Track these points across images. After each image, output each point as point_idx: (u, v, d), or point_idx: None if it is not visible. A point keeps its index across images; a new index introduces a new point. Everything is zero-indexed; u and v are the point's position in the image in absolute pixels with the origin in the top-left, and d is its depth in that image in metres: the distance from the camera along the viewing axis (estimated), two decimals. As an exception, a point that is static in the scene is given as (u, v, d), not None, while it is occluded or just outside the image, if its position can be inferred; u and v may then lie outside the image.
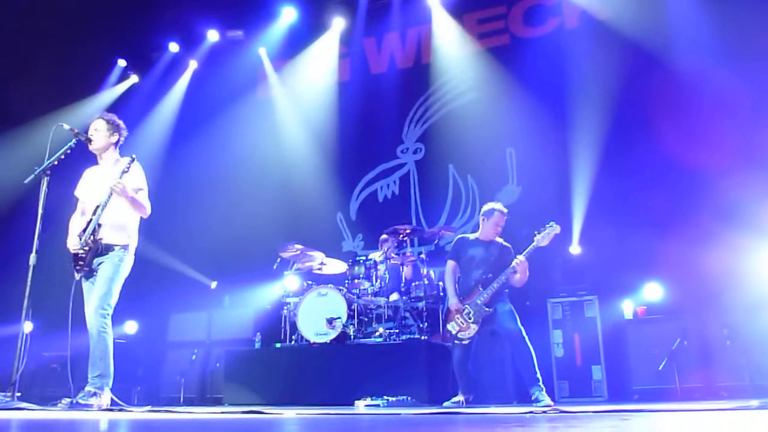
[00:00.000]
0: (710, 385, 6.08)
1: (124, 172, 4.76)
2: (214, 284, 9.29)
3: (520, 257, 5.38)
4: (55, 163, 4.84)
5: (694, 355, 6.25)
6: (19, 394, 4.58)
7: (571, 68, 7.93)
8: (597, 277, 7.06)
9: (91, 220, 4.79)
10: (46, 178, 4.82)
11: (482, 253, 5.67)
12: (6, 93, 8.76)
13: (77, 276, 4.82)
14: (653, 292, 6.98)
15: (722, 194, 6.46)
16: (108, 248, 4.81)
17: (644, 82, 7.48)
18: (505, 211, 5.81)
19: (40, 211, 4.77)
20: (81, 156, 5.07)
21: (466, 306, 5.54)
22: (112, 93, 10.37)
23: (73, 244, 4.81)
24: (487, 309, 5.44)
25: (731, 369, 6.03)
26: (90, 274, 4.82)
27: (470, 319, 5.50)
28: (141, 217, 5.05)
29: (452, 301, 5.62)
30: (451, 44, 9.24)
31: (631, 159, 7.35)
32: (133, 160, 4.84)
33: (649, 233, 6.78)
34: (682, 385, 6.14)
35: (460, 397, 5.61)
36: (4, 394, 4.57)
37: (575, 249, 7.38)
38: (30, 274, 4.66)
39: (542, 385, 5.26)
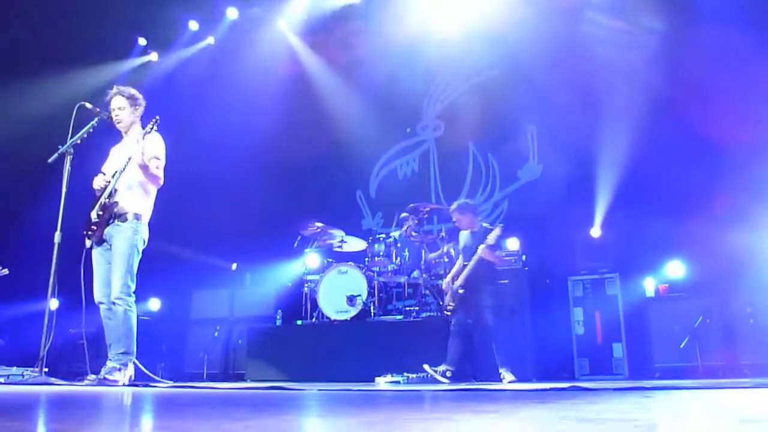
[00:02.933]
0: (733, 363, 6.04)
1: (146, 133, 4.73)
2: (234, 266, 9.34)
3: (482, 246, 5.91)
4: (78, 142, 4.87)
5: (717, 333, 6.20)
6: (46, 370, 4.67)
7: (594, 44, 7.79)
8: (619, 255, 7.01)
9: (109, 182, 4.79)
10: (69, 157, 4.86)
11: (471, 242, 6.18)
12: (29, 73, 8.83)
13: (88, 243, 4.79)
14: (675, 269, 6.92)
15: (746, 172, 6.36)
16: (121, 216, 4.74)
17: (670, 59, 7.34)
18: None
19: (63, 189, 4.81)
20: (104, 133, 5.09)
21: (453, 285, 6.14)
22: (133, 71, 10.40)
23: (99, 183, 4.81)
24: (460, 290, 6.02)
25: (754, 347, 5.98)
26: (101, 241, 4.77)
27: (451, 295, 6.13)
28: (158, 190, 5.00)
29: (444, 281, 6.36)
30: (472, 19, 9.12)
31: (655, 137, 7.24)
32: (156, 121, 4.79)
33: (672, 211, 6.71)
34: (704, 362, 6.11)
35: (441, 367, 5.84)
36: (32, 369, 4.67)
37: (596, 231, 7.29)
38: (55, 252, 4.72)
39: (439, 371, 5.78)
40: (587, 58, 7.76)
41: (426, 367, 5.81)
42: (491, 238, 5.88)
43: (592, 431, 1.60)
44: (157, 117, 4.83)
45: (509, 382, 5.62)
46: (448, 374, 5.80)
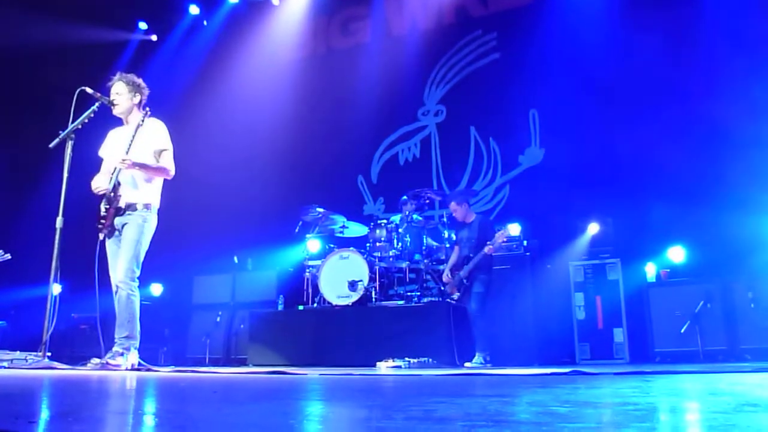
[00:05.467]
0: (734, 348, 6.06)
1: (139, 126, 4.76)
2: (235, 258, 9.28)
3: (489, 246, 6.14)
4: (79, 127, 4.86)
5: (718, 317, 6.21)
6: (49, 354, 4.69)
7: (597, 28, 7.75)
8: (620, 240, 7.01)
9: (111, 179, 4.80)
10: (70, 142, 4.85)
11: (467, 234, 6.43)
12: (31, 60, 8.81)
13: (101, 236, 4.83)
14: (677, 254, 6.91)
15: (748, 156, 6.34)
16: (130, 207, 4.79)
17: (673, 43, 7.29)
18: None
19: (65, 174, 4.81)
20: (105, 118, 5.08)
21: (456, 275, 6.37)
22: (134, 56, 10.37)
23: (98, 184, 4.81)
24: (465, 282, 6.29)
25: (755, 331, 5.99)
26: (112, 233, 4.81)
27: (455, 285, 6.35)
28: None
29: (444, 273, 6.57)
30: (473, 4, 9.07)
31: (657, 121, 7.22)
32: (146, 114, 4.81)
33: (674, 195, 6.70)
34: (704, 347, 6.13)
35: (478, 358, 6.00)
36: (35, 353, 4.69)
37: (597, 217, 7.24)
38: (57, 237, 4.73)
39: (478, 362, 5.97)
40: (590, 39, 7.70)
41: (468, 365, 5.91)
42: (498, 241, 6.14)
43: (592, 415, 1.61)
44: (147, 109, 4.84)
45: (480, 364, 5.88)
46: (488, 358, 6.00)
